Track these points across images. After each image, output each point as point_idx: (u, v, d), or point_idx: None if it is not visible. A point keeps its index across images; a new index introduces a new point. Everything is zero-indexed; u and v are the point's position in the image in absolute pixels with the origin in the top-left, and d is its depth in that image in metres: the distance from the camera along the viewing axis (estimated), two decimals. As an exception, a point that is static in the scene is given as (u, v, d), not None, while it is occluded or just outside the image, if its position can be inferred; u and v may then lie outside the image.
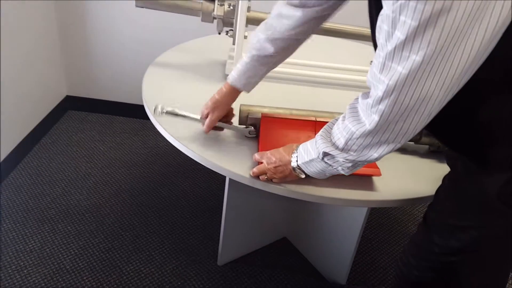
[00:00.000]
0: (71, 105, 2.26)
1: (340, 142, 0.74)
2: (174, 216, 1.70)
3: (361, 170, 0.92)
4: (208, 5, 1.21)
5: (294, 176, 0.87)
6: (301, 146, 0.85)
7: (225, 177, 1.03)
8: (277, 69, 1.31)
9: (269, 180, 0.90)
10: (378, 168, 0.93)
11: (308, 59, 1.39)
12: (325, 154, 0.77)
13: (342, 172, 0.79)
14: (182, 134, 1.00)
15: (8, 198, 1.68)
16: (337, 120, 0.78)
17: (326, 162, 0.78)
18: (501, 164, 0.69)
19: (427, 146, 1.06)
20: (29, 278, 1.40)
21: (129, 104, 2.23)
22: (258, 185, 0.90)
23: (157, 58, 1.35)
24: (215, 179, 1.90)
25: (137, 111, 2.05)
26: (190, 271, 1.48)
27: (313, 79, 1.35)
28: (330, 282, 1.50)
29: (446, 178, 0.81)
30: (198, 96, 1.17)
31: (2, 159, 1.75)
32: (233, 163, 0.93)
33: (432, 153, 1.05)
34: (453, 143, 0.77)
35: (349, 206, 1.29)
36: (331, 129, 0.78)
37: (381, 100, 0.65)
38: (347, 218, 1.37)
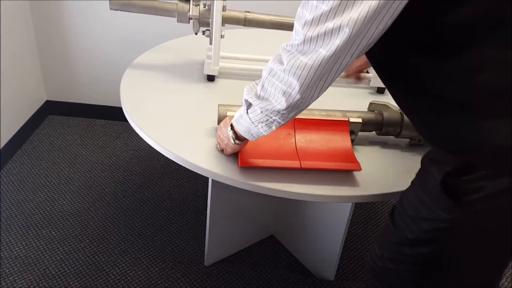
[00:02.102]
0: (51, 110, 2.23)
1: (259, 87, 0.77)
2: (159, 218, 1.69)
3: (341, 165, 0.94)
4: (183, 5, 1.20)
5: (231, 145, 0.90)
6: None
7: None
8: (254, 66, 1.31)
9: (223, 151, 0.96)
10: (358, 163, 0.94)
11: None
12: (248, 105, 0.79)
13: (262, 131, 0.81)
14: (162, 137, 1.00)
15: (-11, 207, 1.66)
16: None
17: (249, 117, 0.80)
18: (451, 150, 0.68)
19: (407, 140, 1.07)
20: (15, 284, 1.38)
21: (110, 107, 2.21)
22: (241, 185, 0.90)
23: (134, 60, 1.34)
24: (199, 179, 1.90)
25: (118, 114, 2.02)
26: (177, 272, 1.48)
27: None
28: (318, 278, 1.51)
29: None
30: (177, 97, 1.17)
31: (-18, 167, 1.73)
32: (214, 163, 0.93)
33: (413, 146, 1.06)
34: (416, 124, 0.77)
35: (333, 202, 1.30)
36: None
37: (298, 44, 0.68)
38: (332, 214, 1.38)
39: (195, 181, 1.89)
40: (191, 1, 1.20)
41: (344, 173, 0.95)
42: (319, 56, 0.66)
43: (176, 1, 1.21)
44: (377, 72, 0.79)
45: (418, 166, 0.89)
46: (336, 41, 0.64)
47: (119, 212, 1.70)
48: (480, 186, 0.66)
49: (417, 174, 0.78)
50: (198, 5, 1.20)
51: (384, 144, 1.07)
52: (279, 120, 0.78)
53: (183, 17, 1.21)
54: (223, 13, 1.19)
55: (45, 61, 2.11)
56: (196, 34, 1.25)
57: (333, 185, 0.91)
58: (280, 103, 0.74)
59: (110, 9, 1.22)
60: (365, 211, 1.83)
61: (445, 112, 0.68)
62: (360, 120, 1.00)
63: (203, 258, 1.53)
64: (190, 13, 1.20)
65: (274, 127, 0.80)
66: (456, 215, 0.69)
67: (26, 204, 1.69)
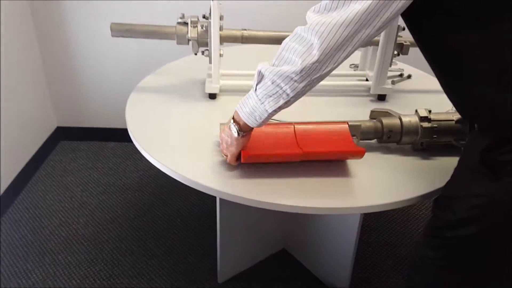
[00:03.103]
0: (63, 135, 2.28)
1: (275, 57, 0.77)
2: (171, 237, 1.70)
3: (344, 148, 0.95)
4: (182, 28, 1.23)
5: (235, 142, 0.90)
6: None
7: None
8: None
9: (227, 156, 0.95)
10: (361, 148, 0.94)
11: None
12: (260, 78, 0.79)
13: (268, 108, 0.80)
14: (167, 158, 1.01)
15: (7, 234, 1.69)
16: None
17: (256, 94, 0.80)
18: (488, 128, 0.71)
19: (409, 145, 1.07)
20: (32, 313, 1.40)
21: (119, 129, 2.25)
22: (248, 201, 0.91)
23: (138, 84, 1.37)
24: (208, 195, 1.88)
25: (128, 135, 2.06)
26: (191, 290, 1.49)
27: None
28: (332, 289, 1.50)
29: None
30: (180, 117, 1.19)
31: (-3, 197, 1.77)
32: (220, 181, 0.94)
33: (417, 152, 1.06)
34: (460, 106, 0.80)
35: (341, 213, 1.30)
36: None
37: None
38: (342, 224, 1.38)
39: (205, 197, 1.91)
40: (189, 24, 1.23)
41: (350, 182, 0.95)
42: (353, 11, 0.68)
43: (175, 25, 1.24)
44: (419, 46, 0.80)
45: (424, 170, 0.89)
46: None
47: (131, 233, 1.72)
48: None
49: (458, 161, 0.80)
50: (196, 26, 1.23)
51: (387, 151, 1.07)
52: (289, 91, 0.76)
53: (182, 39, 1.24)
54: (221, 32, 1.22)
55: (54, 89, 2.17)
56: (195, 54, 1.28)
57: (339, 198, 0.91)
58: (295, 64, 0.73)
59: (112, 36, 1.25)
60: (377, 218, 1.82)
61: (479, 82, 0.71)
62: (359, 123, 1.01)
63: (216, 275, 1.53)
64: (189, 35, 1.23)
65: (281, 102, 0.78)
66: (491, 190, 0.71)
67: (42, 230, 1.72)
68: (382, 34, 1.24)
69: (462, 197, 0.75)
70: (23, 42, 1.95)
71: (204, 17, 1.24)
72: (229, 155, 0.95)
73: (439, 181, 0.93)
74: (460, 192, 0.76)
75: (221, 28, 1.21)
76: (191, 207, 1.86)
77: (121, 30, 1.24)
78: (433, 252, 0.83)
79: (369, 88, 1.31)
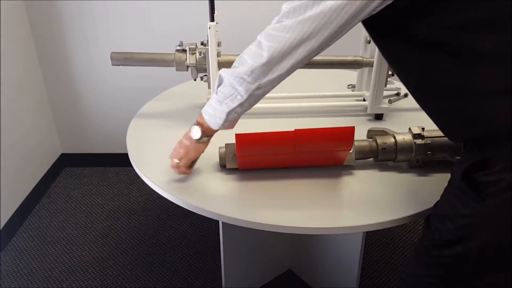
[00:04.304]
0: (67, 162, 2.31)
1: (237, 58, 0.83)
2: (177, 261, 1.70)
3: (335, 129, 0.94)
4: (181, 55, 1.26)
5: (194, 143, 0.94)
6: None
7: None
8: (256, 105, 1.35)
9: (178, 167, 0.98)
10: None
11: (281, 91, 1.43)
12: (220, 81, 0.84)
13: (225, 109, 0.85)
14: (168, 183, 1.03)
15: (11, 262, 1.70)
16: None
17: (217, 97, 0.85)
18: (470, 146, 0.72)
19: (406, 163, 1.08)
20: None
21: (122, 154, 2.26)
22: (250, 224, 0.91)
23: (139, 110, 1.39)
24: (213, 218, 1.91)
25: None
26: (196, 314, 1.48)
27: (292, 110, 1.38)
28: (339, 309, 1.49)
29: None
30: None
31: (2, 225, 1.78)
32: (222, 205, 0.95)
33: (413, 169, 1.07)
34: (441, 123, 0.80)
35: (345, 232, 1.30)
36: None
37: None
38: (344, 242, 1.38)
39: (209, 219, 1.90)
40: (188, 51, 1.26)
41: (347, 199, 0.95)
42: (300, 17, 0.74)
43: (174, 52, 1.27)
44: (385, 56, 0.83)
45: (421, 188, 0.89)
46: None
47: (136, 259, 1.72)
48: (497, 179, 0.68)
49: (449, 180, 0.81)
50: (194, 53, 1.26)
51: (384, 169, 1.08)
52: (242, 93, 0.82)
53: (181, 66, 1.27)
54: (219, 58, 1.25)
55: (58, 117, 2.21)
56: (195, 80, 1.31)
57: (339, 219, 0.92)
58: (247, 65, 0.79)
59: (112, 65, 1.28)
60: (380, 236, 1.82)
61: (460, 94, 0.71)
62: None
63: (221, 298, 1.53)
64: (187, 61, 1.26)
65: (236, 103, 0.83)
66: (475, 209, 0.71)
67: (46, 258, 1.73)
68: (376, 54, 1.26)
69: (449, 217, 0.75)
70: (27, 72, 1.99)
71: (202, 43, 1.27)
72: (182, 160, 0.97)
73: (436, 198, 0.93)
74: (447, 211, 0.76)
75: (219, 54, 1.24)
76: (196, 230, 1.86)
77: (121, 59, 1.27)
78: (422, 270, 0.83)
79: (366, 108, 1.33)
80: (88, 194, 2.11)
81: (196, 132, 0.93)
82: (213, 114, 0.88)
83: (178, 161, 0.98)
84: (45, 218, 1.95)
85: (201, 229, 1.86)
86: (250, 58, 0.79)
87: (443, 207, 0.78)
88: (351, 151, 1.03)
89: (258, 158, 1.01)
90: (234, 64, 0.84)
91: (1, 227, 1.77)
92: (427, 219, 0.84)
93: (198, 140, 0.94)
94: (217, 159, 1.07)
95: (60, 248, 1.78)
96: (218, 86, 0.86)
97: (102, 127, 2.24)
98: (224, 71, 0.84)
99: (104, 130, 2.24)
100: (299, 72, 1.45)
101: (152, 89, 1.65)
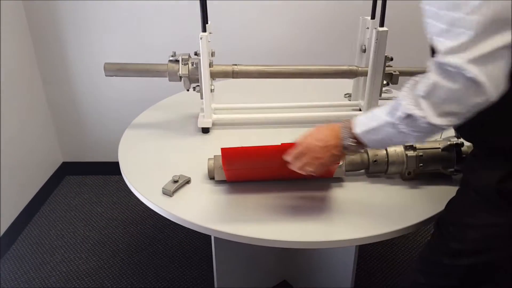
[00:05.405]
0: (68, 170, 2.32)
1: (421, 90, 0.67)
2: (172, 270, 1.70)
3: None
4: (173, 66, 1.26)
5: (335, 158, 0.80)
6: (357, 117, 0.79)
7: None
8: (246, 115, 1.34)
9: (305, 169, 0.84)
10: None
11: (276, 101, 1.43)
12: (407, 117, 0.68)
13: (411, 140, 0.73)
14: (161, 197, 1.01)
15: (10, 271, 1.71)
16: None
17: (398, 127, 0.71)
18: (504, 155, 0.69)
19: (398, 175, 1.06)
20: None
21: (123, 163, 2.27)
22: (241, 239, 0.90)
23: (133, 120, 1.40)
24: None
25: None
26: (190, 326, 1.47)
27: (289, 120, 1.37)
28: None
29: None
30: (174, 153, 1.20)
31: (2, 233, 1.79)
32: (212, 219, 0.93)
33: (405, 181, 1.05)
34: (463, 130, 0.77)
35: (336, 246, 1.28)
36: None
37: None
38: (337, 254, 1.36)
39: (207, 229, 1.90)
40: (180, 61, 1.26)
41: (339, 213, 0.94)
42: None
43: (167, 63, 1.27)
44: None
45: (414, 200, 0.86)
46: None
47: (132, 268, 1.71)
48: None
49: (461, 183, 0.78)
50: (187, 64, 1.26)
51: (375, 181, 1.06)
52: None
53: (174, 76, 1.27)
54: (211, 68, 1.24)
55: (59, 126, 2.22)
56: (188, 90, 1.31)
57: (330, 233, 0.90)
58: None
59: (106, 76, 1.29)
60: (378, 247, 1.79)
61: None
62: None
63: (216, 309, 1.51)
64: (180, 72, 1.26)
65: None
66: (505, 219, 0.69)
67: (44, 267, 1.73)
68: (370, 64, 1.25)
69: (473, 226, 0.73)
70: (28, 81, 2.01)
71: (195, 54, 1.27)
72: (314, 166, 0.83)
73: (428, 211, 0.93)
74: (468, 220, 0.74)
75: (211, 65, 1.24)
76: (192, 240, 1.85)
77: (114, 70, 1.28)
78: (425, 279, 0.81)
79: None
80: (88, 202, 2.11)
81: (349, 145, 0.82)
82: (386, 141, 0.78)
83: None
84: (44, 227, 1.95)
85: (197, 238, 1.86)
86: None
87: (462, 215, 0.75)
88: (340, 164, 1.01)
89: (245, 172, 1.00)
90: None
91: (1, 234, 1.78)
92: (437, 227, 0.81)
93: (346, 144, 0.82)
94: (206, 171, 1.06)
95: (58, 256, 1.78)
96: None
97: (103, 136, 2.25)
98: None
99: (106, 139, 2.25)
100: (296, 81, 1.44)
101: (152, 99, 1.65)
